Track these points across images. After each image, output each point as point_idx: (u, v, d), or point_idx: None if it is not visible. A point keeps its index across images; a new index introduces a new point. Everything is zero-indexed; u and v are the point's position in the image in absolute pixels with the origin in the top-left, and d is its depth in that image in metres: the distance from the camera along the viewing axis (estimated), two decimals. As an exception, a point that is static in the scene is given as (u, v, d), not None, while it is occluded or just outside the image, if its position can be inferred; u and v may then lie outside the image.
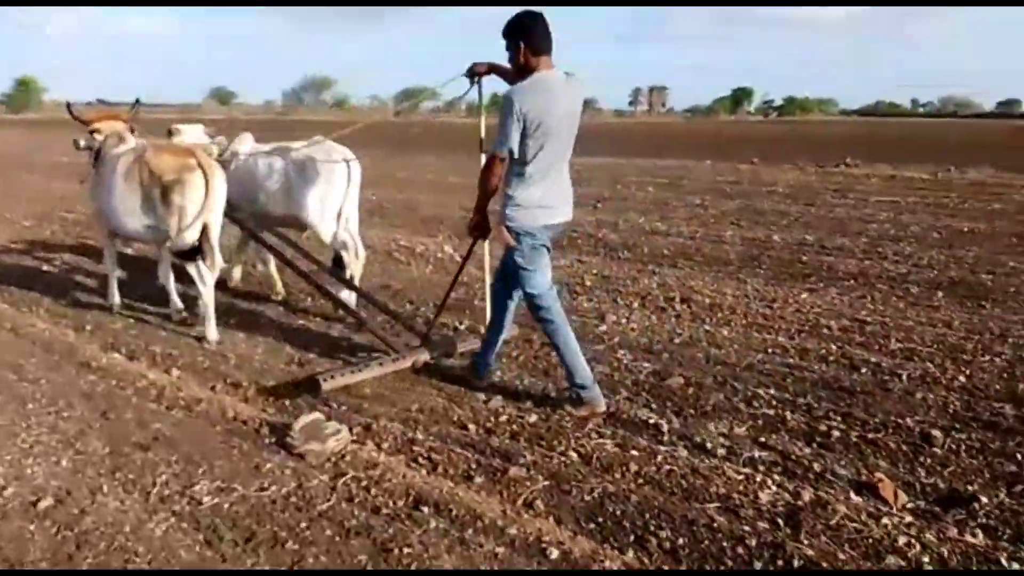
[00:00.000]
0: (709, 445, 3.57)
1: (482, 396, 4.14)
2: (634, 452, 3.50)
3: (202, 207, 4.92)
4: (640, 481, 3.27)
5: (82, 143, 5.64)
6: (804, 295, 6.32)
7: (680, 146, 28.04)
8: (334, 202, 5.52)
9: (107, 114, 5.92)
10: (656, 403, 4.08)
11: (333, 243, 5.66)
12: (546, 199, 3.76)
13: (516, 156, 3.64)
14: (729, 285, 6.67)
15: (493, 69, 4.36)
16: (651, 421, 3.82)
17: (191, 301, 5.58)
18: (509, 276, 3.96)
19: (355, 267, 5.72)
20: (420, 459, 3.45)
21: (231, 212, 5.36)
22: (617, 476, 3.30)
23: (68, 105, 5.86)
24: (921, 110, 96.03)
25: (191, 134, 5.99)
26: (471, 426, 3.79)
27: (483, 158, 4.05)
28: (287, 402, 4.13)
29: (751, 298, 6.24)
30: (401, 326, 5.06)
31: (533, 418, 3.86)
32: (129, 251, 7.61)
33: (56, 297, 6.20)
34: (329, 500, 3.12)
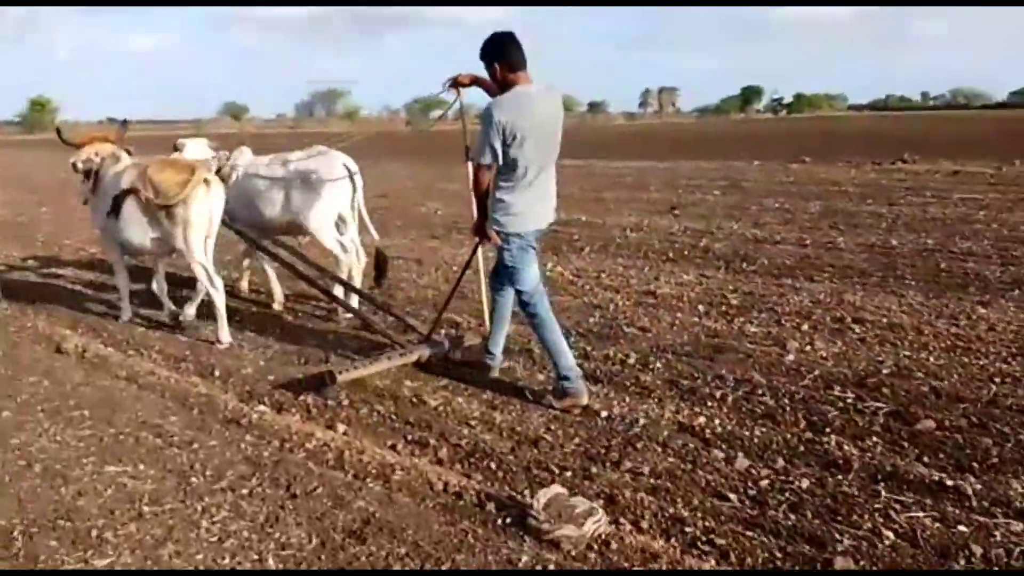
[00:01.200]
0: (1038, 511, 2.92)
1: (719, 454, 3.49)
2: (961, 528, 2.84)
3: (208, 220, 5.17)
4: (997, 568, 2.61)
5: (80, 165, 5.68)
6: (981, 309, 5.65)
7: (709, 146, 27.45)
8: (335, 209, 5.68)
9: (96, 136, 5.94)
10: (928, 455, 3.43)
11: (333, 248, 5.74)
12: (532, 204, 3.98)
13: (500, 165, 3.83)
14: (889, 300, 6.00)
15: (476, 81, 4.44)
16: (944, 481, 3.17)
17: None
18: (502, 274, 4.17)
19: (356, 270, 5.81)
20: (700, 544, 2.80)
21: (232, 223, 5.54)
22: (961, 563, 2.65)
23: (57, 130, 6.07)
24: (932, 103, 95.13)
25: (195, 148, 6.09)
26: (731, 495, 3.14)
27: (469, 165, 4.47)
28: (489, 466, 3.47)
29: (925, 314, 5.58)
30: (405, 325, 5.19)
31: (804, 483, 3.21)
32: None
33: (162, 335, 5.60)
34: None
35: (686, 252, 8.11)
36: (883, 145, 23.38)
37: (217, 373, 4.79)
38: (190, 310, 5.74)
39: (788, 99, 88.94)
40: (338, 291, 5.65)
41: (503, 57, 3.87)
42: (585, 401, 4.02)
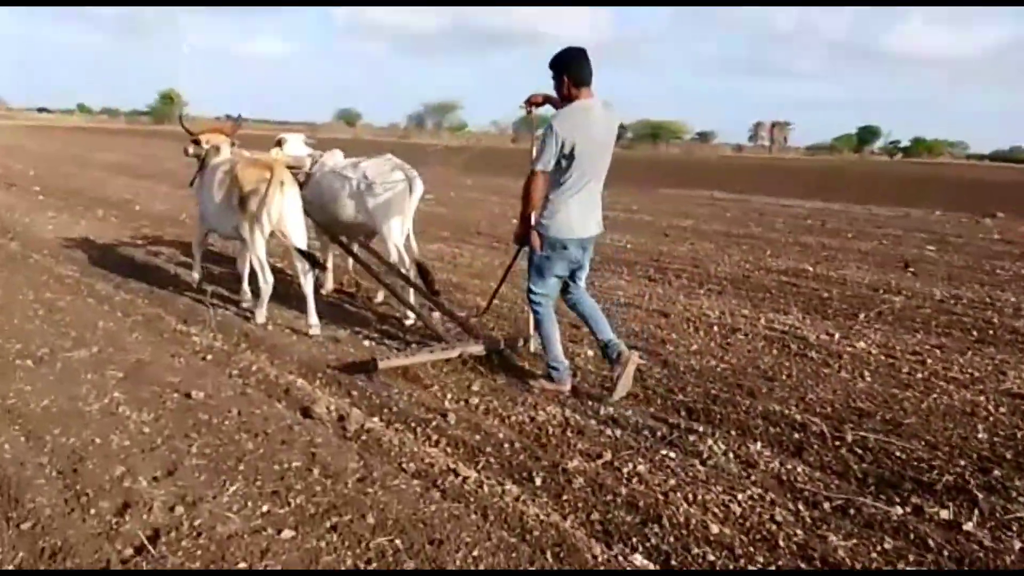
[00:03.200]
0: None
1: None
2: None
3: (273, 215, 5.43)
4: None
5: (190, 151, 6.30)
6: None
7: (848, 187, 25.21)
8: (395, 211, 5.87)
9: (213, 127, 6.41)
10: None
11: (393, 247, 5.92)
12: (578, 214, 4.14)
13: (554, 173, 4.03)
14: None
15: (548, 100, 4.58)
16: None
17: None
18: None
19: (410, 267, 5.96)
20: None
21: (316, 218, 6.03)
22: None
23: (179, 117, 6.64)
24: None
25: (293, 142, 6.57)
26: None
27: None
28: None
29: None
30: (454, 322, 5.40)
31: None
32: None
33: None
34: None
35: (992, 332, 6.49)
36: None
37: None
38: (260, 316, 5.85)
39: (905, 142, 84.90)
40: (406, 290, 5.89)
41: (571, 71, 4.04)
42: (568, 388, 4.49)
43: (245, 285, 6.33)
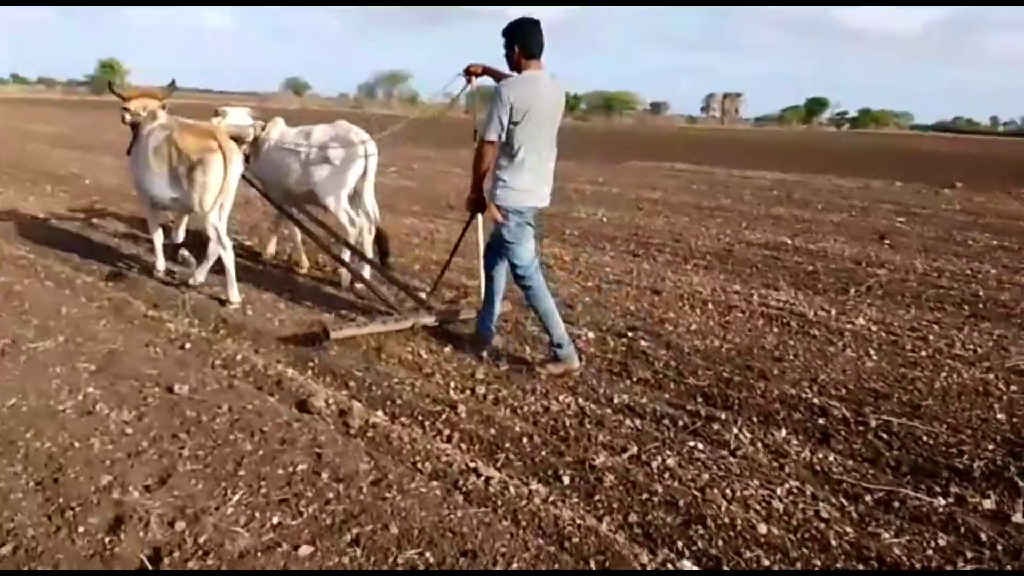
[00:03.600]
0: None
1: None
2: None
3: (221, 185, 5.27)
4: None
5: (127, 118, 5.92)
6: None
7: (804, 158, 25.42)
8: (348, 180, 5.75)
9: (144, 92, 6.10)
10: None
11: (341, 219, 5.81)
12: (531, 183, 4.16)
13: (505, 143, 4.04)
14: None
15: (487, 71, 4.68)
16: None
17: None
18: (497, 250, 4.35)
19: (367, 240, 5.89)
20: None
21: (263, 189, 5.95)
22: None
23: (109, 83, 6.83)
24: (1002, 128, 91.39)
25: (236, 116, 6.29)
26: None
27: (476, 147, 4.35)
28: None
29: None
30: (405, 293, 5.32)
31: None
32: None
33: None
34: None
35: (982, 306, 6.43)
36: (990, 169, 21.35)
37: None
38: (200, 275, 5.84)
39: (852, 113, 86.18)
40: (346, 257, 5.80)
41: (523, 41, 4.03)
42: (576, 366, 4.31)
43: (161, 257, 6.15)
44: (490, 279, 4.53)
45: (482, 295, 4.74)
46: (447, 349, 4.69)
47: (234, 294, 5.42)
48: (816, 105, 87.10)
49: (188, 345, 4.71)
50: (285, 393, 4.03)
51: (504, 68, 4.36)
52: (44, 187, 11.30)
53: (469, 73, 4.78)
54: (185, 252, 6.37)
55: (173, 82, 6.41)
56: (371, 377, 4.26)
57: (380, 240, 6.01)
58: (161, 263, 6.13)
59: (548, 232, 8.64)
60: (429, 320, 4.91)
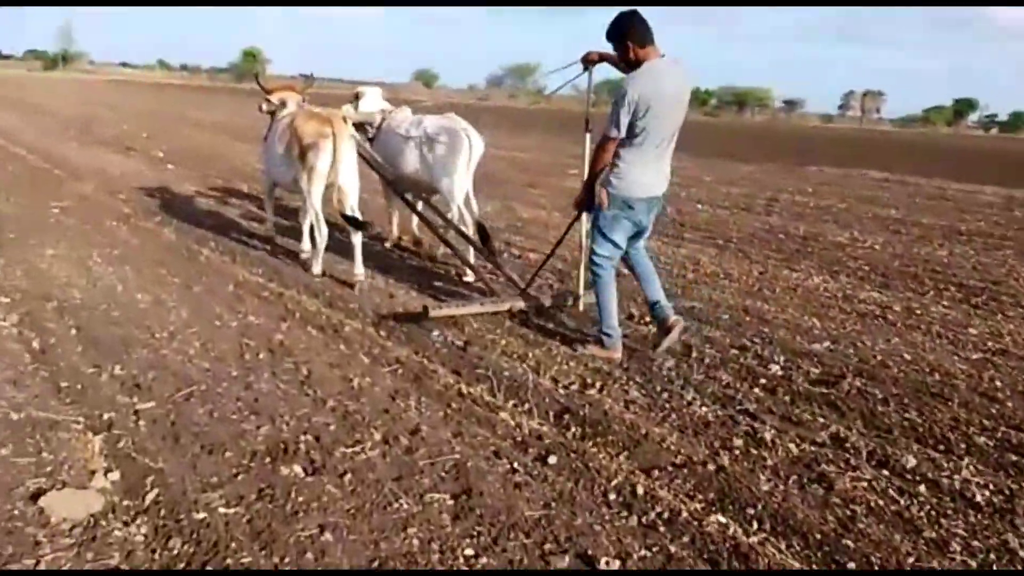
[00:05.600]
0: None
1: None
2: None
3: (330, 168, 5.34)
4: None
5: (264, 107, 6.25)
6: None
7: (983, 169, 22.56)
8: (456, 168, 5.77)
9: (285, 85, 6.45)
10: None
11: (453, 203, 5.82)
12: (647, 175, 4.02)
13: (626, 136, 3.88)
14: None
15: (604, 58, 4.46)
16: None
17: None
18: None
19: (468, 229, 5.85)
20: None
21: (381, 172, 5.97)
22: None
23: (255, 75, 7.24)
24: None
25: (371, 96, 6.48)
26: None
27: (587, 138, 4.62)
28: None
29: None
30: (505, 278, 5.29)
31: None
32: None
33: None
34: None
35: None
36: None
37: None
38: (316, 267, 5.73)
39: (1002, 116, 79.37)
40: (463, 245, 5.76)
41: (633, 35, 3.89)
42: (619, 357, 4.19)
43: (306, 238, 6.08)
44: (629, 267, 4.45)
45: (582, 290, 4.94)
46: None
47: (317, 267, 5.62)
48: (964, 106, 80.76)
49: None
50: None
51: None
52: (239, 185, 10.36)
53: (587, 61, 4.58)
54: (306, 239, 6.07)
55: (311, 75, 6.72)
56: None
57: (482, 232, 5.84)
58: (270, 223, 6.57)
59: (829, 264, 7.03)
60: (525, 305, 4.88)
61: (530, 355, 4.25)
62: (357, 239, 5.45)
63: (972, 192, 15.41)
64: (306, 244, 6.05)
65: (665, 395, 3.81)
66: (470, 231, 5.86)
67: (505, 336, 4.57)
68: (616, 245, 4.16)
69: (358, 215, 5.54)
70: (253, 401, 3.50)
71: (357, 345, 4.30)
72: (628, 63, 3.99)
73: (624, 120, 3.84)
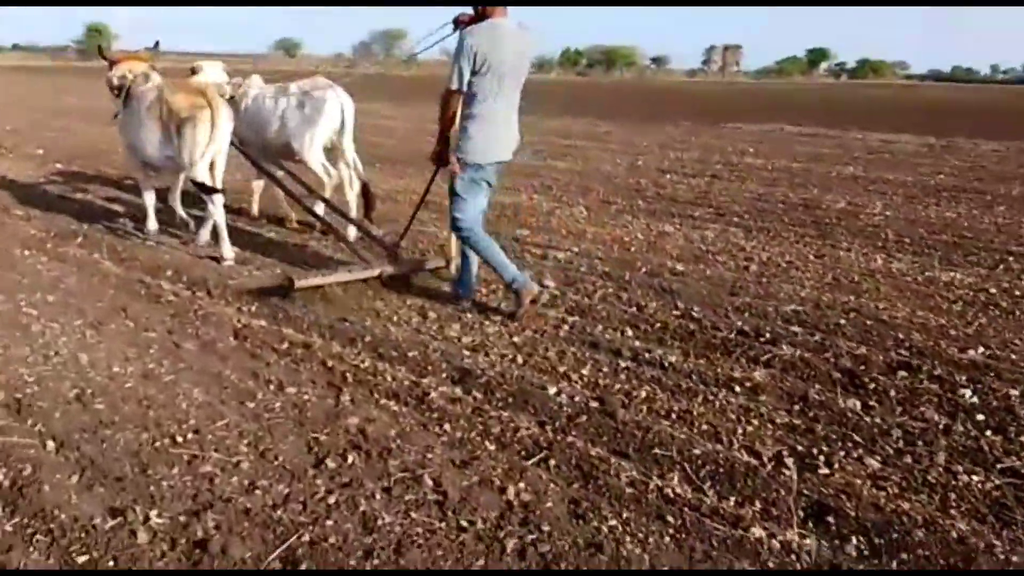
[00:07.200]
0: None
1: None
2: None
3: (209, 141, 5.11)
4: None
5: (115, 81, 5.73)
6: None
7: (852, 114, 23.21)
8: (323, 136, 5.71)
9: (131, 55, 5.99)
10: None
11: (318, 171, 5.76)
12: (493, 136, 4.04)
13: (468, 93, 3.92)
14: None
15: (474, 21, 4.21)
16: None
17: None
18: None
19: (350, 195, 5.89)
20: None
21: (241, 146, 5.71)
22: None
23: (99, 47, 6.67)
24: (1001, 76, 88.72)
25: (211, 71, 6.12)
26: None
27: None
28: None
29: None
30: (373, 243, 5.12)
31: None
32: None
33: None
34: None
35: None
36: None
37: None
38: (204, 233, 5.59)
39: (851, 63, 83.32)
40: (319, 210, 5.78)
41: None
42: (537, 290, 4.24)
43: (183, 215, 5.82)
44: (463, 239, 4.32)
45: (454, 252, 4.73)
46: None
47: (227, 251, 5.25)
48: (818, 56, 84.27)
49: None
50: None
51: None
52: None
53: (458, 23, 4.40)
54: (182, 213, 5.83)
55: (157, 44, 6.30)
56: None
57: (365, 194, 5.81)
58: (153, 225, 5.80)
59: (864, 237, 6.42)
60: (396, 269, 4.73)
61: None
62: (220, 212, 5.21)
63: (894, 142, 15.36)
64: (152, 224, 5.75)
65: (906, 459, 2.85)
66: (354, 192, 5.83)
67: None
68: (475, 207, 4.18)
69: (216, 184, 5.26)
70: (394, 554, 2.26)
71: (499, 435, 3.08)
72: (476, 16, 4.04)
73: (465, 70, 3.86)
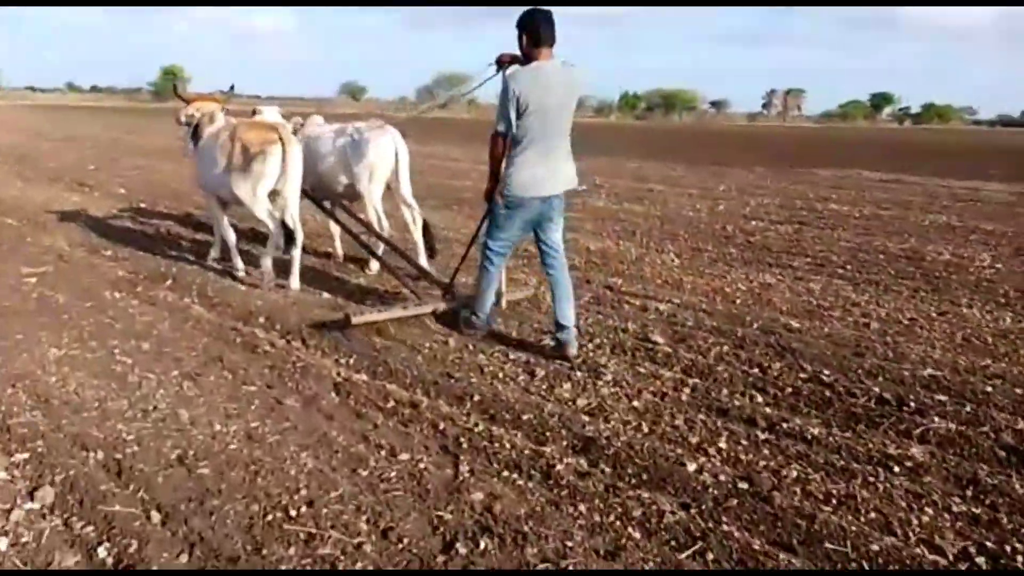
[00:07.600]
0: None
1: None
2: None
3: (279, 175, 5.26)
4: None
5: (183, 118, 6.04)
6: None
7: (924, 159, 22.40)
8: (379, 175, 5.74)
9: (205, 97, 6.25)
10: None
11: (370, 212, 5.80)
12: (538, 172, 4.06)
13: (514, 133, 3.96)
14: None
15: (515, 60, 4.32)
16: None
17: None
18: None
19: (416, 233, 5.90)
20: None
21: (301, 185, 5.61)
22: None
23: (174, 87, 7.41)
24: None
25: (269, 114, 6.29)
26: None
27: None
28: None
29: None
30: (427, 280, 5.25)
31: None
32: None
33: None
34: None
35: None
36: None
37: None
38: (267, 263, 5.49)
39: (915, 108, 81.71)
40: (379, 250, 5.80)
41: (530, 30, 3.96)
42: (481, 334, 4.44)
43: (236, 256, 5.84)
44: (547, 274, 4.40)
45: (504, 287, 4.89)
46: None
47: (295, 282, 5.38)
48: (881, 100, 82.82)
49: None
50: None
51: None
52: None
53: (500, 63, 4.40)
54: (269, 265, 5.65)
55: (232, 87, 6.67)
56: None
57: (426, 233, 5.90)
58: (239, 263, 5.78)
59: (982, 294, 5.92)
60: (449, 306, 4.77)
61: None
62: (296, 252, 5.37)
63: (981, 189, 14.72)
64: (238, 262, 5.77)
65: None
66: (417, 231, 5.87)
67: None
68: (506, 240, 4.27)
69: (296, 227, 5.42)
70: None
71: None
72: (523, 57, 4.08)
73: (510, 114, 3.92)
